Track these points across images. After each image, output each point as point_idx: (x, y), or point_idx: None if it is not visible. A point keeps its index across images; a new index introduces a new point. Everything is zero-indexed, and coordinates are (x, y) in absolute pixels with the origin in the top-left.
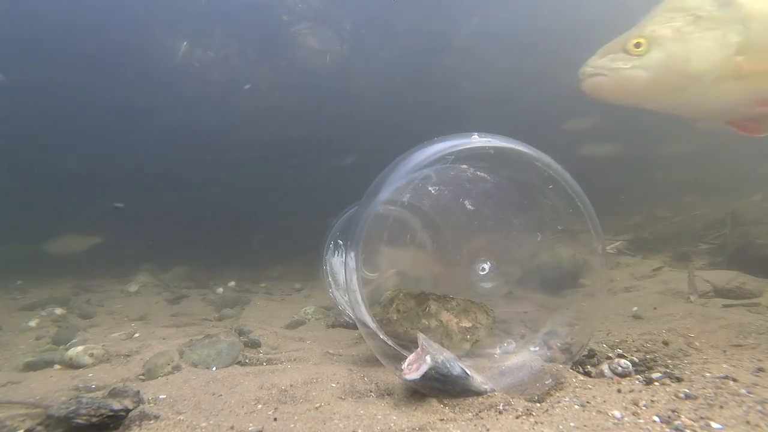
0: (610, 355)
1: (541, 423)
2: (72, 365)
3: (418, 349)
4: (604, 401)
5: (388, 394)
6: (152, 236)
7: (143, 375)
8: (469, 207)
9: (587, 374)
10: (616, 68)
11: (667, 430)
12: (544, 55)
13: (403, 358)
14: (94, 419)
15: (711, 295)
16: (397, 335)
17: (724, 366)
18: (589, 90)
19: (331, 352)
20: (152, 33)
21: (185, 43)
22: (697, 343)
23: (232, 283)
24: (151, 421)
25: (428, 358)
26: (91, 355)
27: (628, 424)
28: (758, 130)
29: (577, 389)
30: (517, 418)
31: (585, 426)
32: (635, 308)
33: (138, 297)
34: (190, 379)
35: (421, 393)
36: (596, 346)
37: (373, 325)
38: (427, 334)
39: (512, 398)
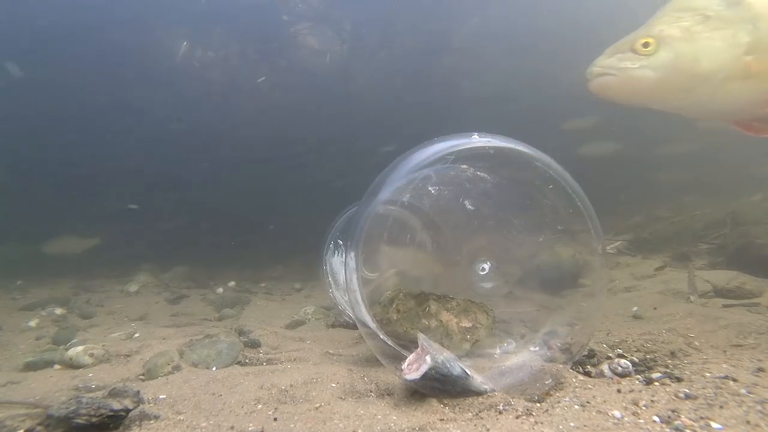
0: (610, 355)
1: (541, 423)
2: (72, 365)
3: (418, 349)
4: (604, 401)
5: (388, 394)
6: (152, 236)
7: (143, 375)
8: (469, 207)
9: (587, 374)
10: (624, 68)
11: (667, 430)
12: (544, 55)
13: (403, 358)
14: (94, 419)
15: (711, 295)
16: (397, 335)
17: (724, 366)
18: (597, 90)
19: (331, 352)
20: (152, 33)
21: (185, 43)
22: (697, 343)
23: (232, 283)
24: (151, 421)
25: (428, 358)
26: (91, 355)
27: (628, 424)
28: (765, 130)
29: (577, 389)
30: (517, 418)
31: (585, 426)
32: (635, 308)
33: (138, 297)
34: (190, 379)
35: (421, 393)
36: (596, 346)
37: (373, 325)
38: (427, 334)
39: (512, 398)
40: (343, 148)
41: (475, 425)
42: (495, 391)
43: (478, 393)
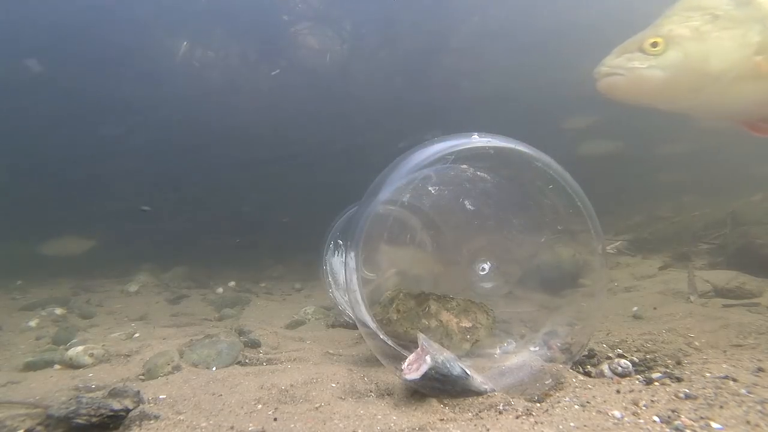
0: (610, 355)
1: (541, 423)
2: (72, 365)
3: (418, 349)
4: (604, 401)
5: (388, 394)
6: (152, 236)
7: (143, 375)
8: (469, 207)
9: (587, 374)
10: (632, 68)
11: (667, 430)
12: (544, 55)
13: (403, 358)
14: (94, 419)
15: (711, 295)
16: (397, 335)
17: (724, 366)
18: (605, 89)
19: (331, 352)
20: (152, 33)
21: (185, 43)
22: (697, 343)
23: (232, 283)
24: (151, 421)
25: (428, 358)
26: (91, 355)
27: (628, 424)
28: None
29: (577, 389)
30: (517, 418)
31: (585, 426)
32: (635, 308)
33: (138, 297)
34: (190, 379)
35: (421, 393)
36: (596, 346)
37: (373, 325)
38: (427, 334)
39: (512, 398)
40: (344, 147)
41: (475, 425)
42: (495, 391)
43: (478, 393)
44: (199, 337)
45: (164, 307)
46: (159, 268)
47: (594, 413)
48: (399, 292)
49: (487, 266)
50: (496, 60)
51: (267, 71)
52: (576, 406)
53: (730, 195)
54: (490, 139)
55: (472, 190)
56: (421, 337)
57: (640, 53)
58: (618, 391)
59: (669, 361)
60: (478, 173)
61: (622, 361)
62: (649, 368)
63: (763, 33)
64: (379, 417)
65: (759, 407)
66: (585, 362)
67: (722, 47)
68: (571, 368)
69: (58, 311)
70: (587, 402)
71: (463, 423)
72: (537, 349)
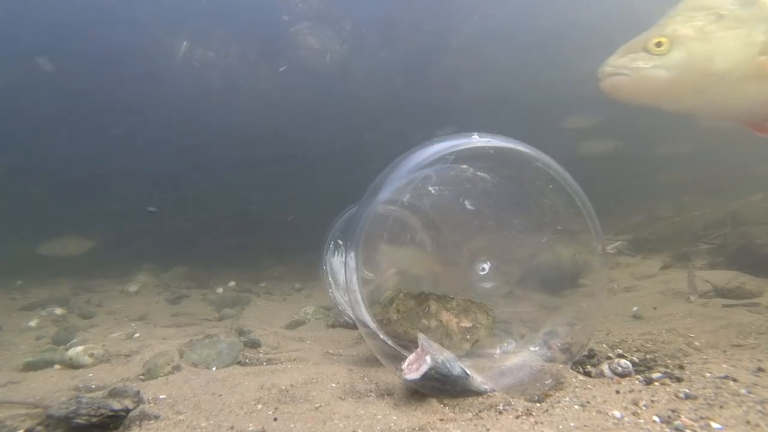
0: (610, 355)
1: (541, 423)
2: (72, 365)
3: (418, 349)
4: (604, 401)
5: (388, 394)
6: (152, 236)
7: (143, 375)
8: (469, 207)
9: (587, 374)
10: (636, 68)
11: (667, 430)
12: (543, 55)
13: (403, 358)
14: (94, 419)
15: (711, 295)
16: (397, 335)
17: (724, 366)
18: (609, 89)
19: (331, 352)
20: (152, 33)
21: (185, 43)
22: (697, 343)
23: (232, 283)
24: (151, 421)
25: (428, 358)
26: (91, 355)
27: (628, 424)
28: None
29: (577, 389)
30: (517, 418)
31: (585, 426)
32: (635, 308)
33: (138, 297)
34: (190, 379)
35: (421, 393)
36: (596, 346)
37: (373, 325)
38: (427, 334)
39: (512, 398)
40: (343, 147)
41: (475, 425)
42: (495, 391)
43: (478, 393)
44: (199, 337)
45: (164, 307)
46: (159, 268)
47: (594, 413)
48: (399, 292)
49: (487, 266)
50: (496, 60)
51: (267, 71)
52: (576, 406)
53: (730, 195)
54: (490, 139)
55: (472, 190)
56: (421, 337)
57: (644, 53)
58: (618, 391)
59: (669, 361)
60: (478, 173)
61: (622, 361)
62: (649, 368)
63: None
64: (379, 417)
65: (759, 407)
66: (585, 362)
67: (727, 47)
68: (571, 368)
69: (58, 311)
70: (587, 402)
71: (463, 423)
72: (537, 349)
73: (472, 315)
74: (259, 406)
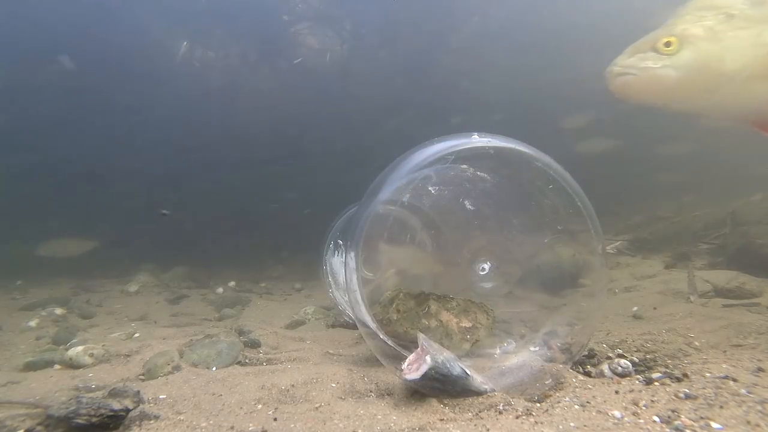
0: (610, 355)
1: (541, 423)
2: (72, 365)
3: (418, 349)
4: (604, 401)
5: (388, 394)
6: (152, 236)
7: (143, 375)
8: (469, 207)
9: (587, 374)
10: (645, 67)
11: (667, 430)
12: (543, 55)
13: (403, 358)
14: (94, 419)
15: (711, 295)
16: (397, 335)
17: (724, 366)
18: (618, 89)
19: (331, 352)
20: (152, 33)
21: (185, 43)
22: (697, 343)
23: (232, 283)
24: (151, 421)
25: (428, 358)
26: (91, 355)
27: (628, 424)
28: None
29: (577, 389)
30: (517, 418)
31: (585, 426)
32: (635, 308)
33: (138, 297)
34: (190, 379)
35: (421, 393)
36: (596, 346)
37: (373, 325)
38: (427, 334)
39: (512, 398)
40: (344, 147)
41: (475, 425)
42: (495, 391)
43: (478, 393)
44: (199, 337)
45: (164, 307)
46: (159, 268)
47: (594, 413)
48: (399, 292)
49: (487, 266)
50: (496, 60)
51: (267, 71)
52: (576, 406)
53: (730, 195)
54: (490, 139)
55: (472, 190)
56: (421, 337)
57: (653, 53)
58: (618, 391)
59: (669, 361)
60: (478, 173)
61: (622, 361)
62: (649, 368)
63: None
64: (379, 417)
65: (759, 407)
66: (585, 362)
67: (736, 47)
68: (571, 368)
69: (58, 311)
70: (587, 402)
71: (463, 423)
72: (537, 349)
73: (472, 315)
74: (259, 406)
